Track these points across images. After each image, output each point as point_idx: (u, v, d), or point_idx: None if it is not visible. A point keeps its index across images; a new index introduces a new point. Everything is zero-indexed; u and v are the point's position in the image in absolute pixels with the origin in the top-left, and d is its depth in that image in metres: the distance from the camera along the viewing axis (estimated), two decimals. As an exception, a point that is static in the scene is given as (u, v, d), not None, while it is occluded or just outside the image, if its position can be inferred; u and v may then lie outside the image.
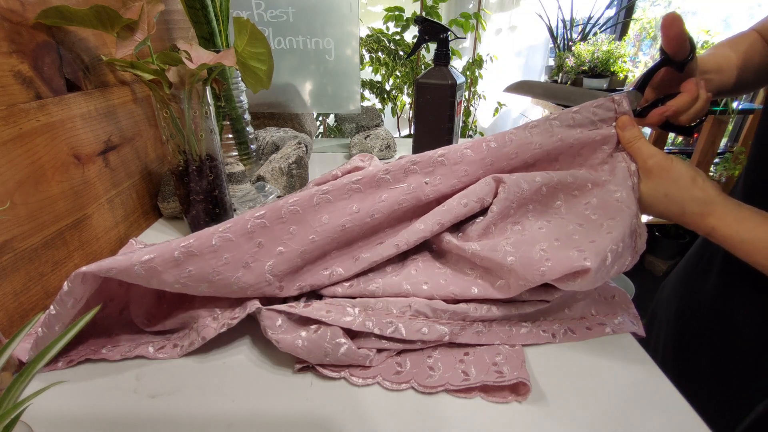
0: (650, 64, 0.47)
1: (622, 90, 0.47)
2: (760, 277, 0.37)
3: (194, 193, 0.55)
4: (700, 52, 0.49)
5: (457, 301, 0.42)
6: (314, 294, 0.45)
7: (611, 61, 1.81)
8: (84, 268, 0.34)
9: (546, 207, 0.46)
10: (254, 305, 0.40)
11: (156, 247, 0.37)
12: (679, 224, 0.41)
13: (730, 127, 2.02)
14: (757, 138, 0.50)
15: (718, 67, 0.50)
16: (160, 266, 0.36)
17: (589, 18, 2.05)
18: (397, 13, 1.75)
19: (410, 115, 2.03)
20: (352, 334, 0.39)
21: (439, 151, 0.46)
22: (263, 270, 0.40)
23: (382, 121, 1.01)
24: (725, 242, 0.38)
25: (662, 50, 0.45)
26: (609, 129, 0.45)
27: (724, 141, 2.13)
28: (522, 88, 0.56)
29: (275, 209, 0.41)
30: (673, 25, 0.42)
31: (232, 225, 0.39)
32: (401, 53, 1.79)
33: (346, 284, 0.44)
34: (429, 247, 0.49)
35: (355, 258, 0.44)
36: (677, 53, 0.44)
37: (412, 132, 0.90)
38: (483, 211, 0.46)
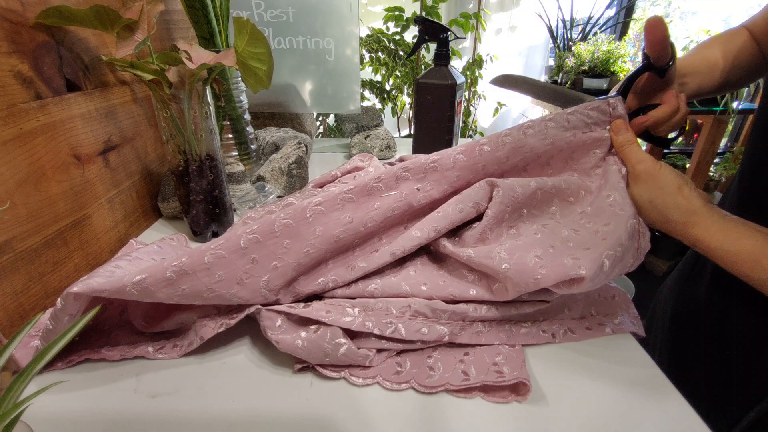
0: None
1: (606, 95, 0.47)
2: (748, 286, 0.37)
3: (194, 193, 0.55)
4: (687, 49, 0.49)
5: (456, 302, 0.42)
6: (314, 294, 0.45)
7: (611, 61, 1.81)
8: (75, 288, 0.34)
9: (541, 212, 0.46)
10: (253, 306, 0.40)
11: (148, 266, 0.37)
12: (666, 233, 0.41)
13: (730, 127, 2.02)
14: (752, 139, 0.50)
15: (694, 69, 0.50)
16: (153, 286, 0.36)
17: (589, 18, 2.05)
18: (397, 13, 1.75)
19: (410, 115, 2.03)
20: (351, 334, 0.39)
21: (432, 156, 0.46)
22: (258, 286, 0.40)
23: (382, 121, 1.01)
24: (710, 253, 0.38)
25: (645, 55, 0.45)
26: (602, 132, 0.45)
27: (724, 141, 2.13)
28: (507, 81, 0.56)
29: (268, 224, 0.40)
30: (656, 29, 0.42)
31: (224, 242, 0.39)
32: (401, 53, 1.79)
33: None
34: (427, 249, 0.49)
35: (350, 267, 0.44)
36: (659, 58, 0.44)
37: (412, 132, 0.90)
38: (479, 216, 0.46)
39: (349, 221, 0.43)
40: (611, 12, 2.11)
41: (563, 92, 0.49)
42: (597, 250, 0.37)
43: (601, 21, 2.05)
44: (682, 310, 0.58)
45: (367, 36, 1.79)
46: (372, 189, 0.45)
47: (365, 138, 0.94)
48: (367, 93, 1.90)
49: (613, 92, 0.47)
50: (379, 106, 1.91)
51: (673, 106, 0.45)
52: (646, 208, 0.41)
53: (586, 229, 0.42)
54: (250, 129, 0.75)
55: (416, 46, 0.80)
